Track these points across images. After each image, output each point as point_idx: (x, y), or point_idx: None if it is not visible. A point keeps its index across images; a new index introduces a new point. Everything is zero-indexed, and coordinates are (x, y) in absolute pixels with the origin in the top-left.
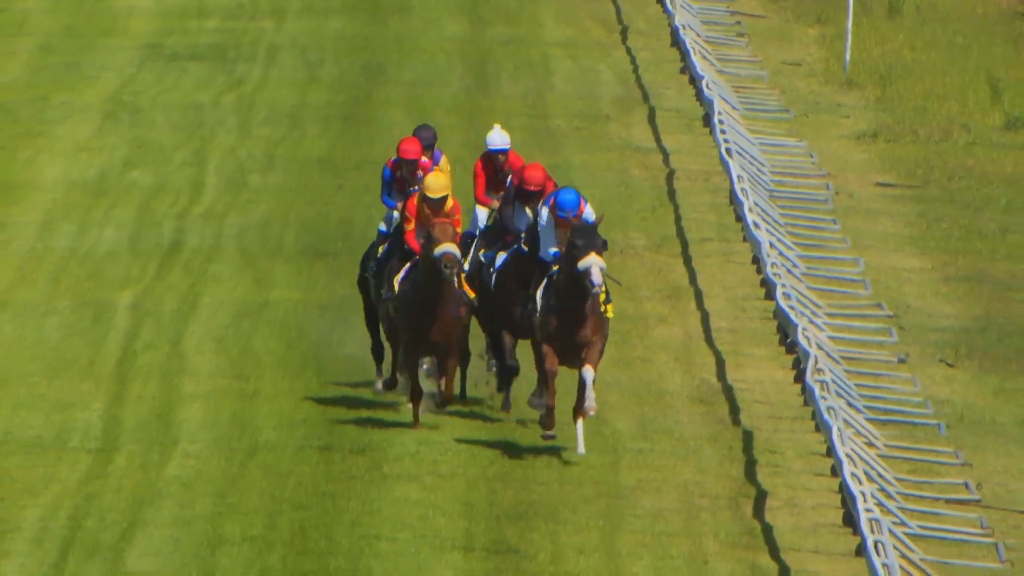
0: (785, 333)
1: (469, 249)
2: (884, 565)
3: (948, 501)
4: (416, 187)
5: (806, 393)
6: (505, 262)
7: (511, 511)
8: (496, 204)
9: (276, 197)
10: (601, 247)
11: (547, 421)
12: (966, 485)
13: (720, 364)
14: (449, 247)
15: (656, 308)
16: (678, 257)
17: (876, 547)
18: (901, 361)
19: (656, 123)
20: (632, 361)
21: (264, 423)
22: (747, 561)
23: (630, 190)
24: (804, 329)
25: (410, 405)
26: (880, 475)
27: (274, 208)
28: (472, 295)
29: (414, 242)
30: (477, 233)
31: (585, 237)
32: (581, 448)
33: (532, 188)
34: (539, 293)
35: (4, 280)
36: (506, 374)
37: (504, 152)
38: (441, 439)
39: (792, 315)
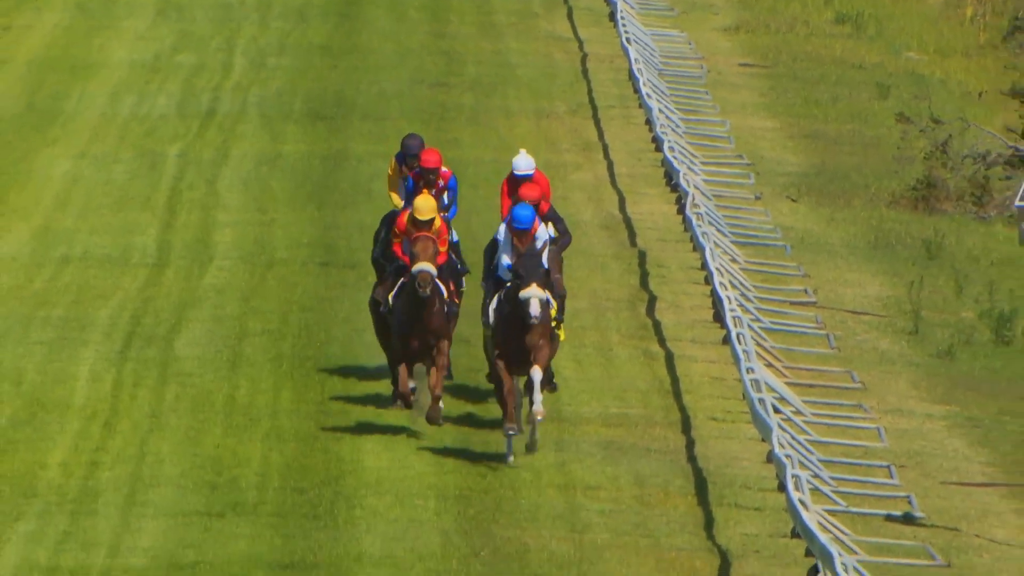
0: (670, 177)
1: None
2: (744, 351)
3: (792, 303)
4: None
5: (686, 222)
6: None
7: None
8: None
9: (287, 74)
10: (542, 277)
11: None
12: (805, 291)
13: (621, 200)
14: (424, 265)
15: (573, 158)
16: (590, 119)
17: (738, 338)
18: (757, 198)
19: (573, 19)
20: (556, 200)
21: (278, 244)
22: (641, 348)
23: (553, 69)
24: (684, 174)
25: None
26: (741, 284)
27: (286, 82)
28: (457, 303)
29: (402, 253)
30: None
31: (527, 268)
32: (534, 447)
33: (528, 204)
34: (492, 306)
35: (83, 137)
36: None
37: (528, 177)
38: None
39: (675, 163)
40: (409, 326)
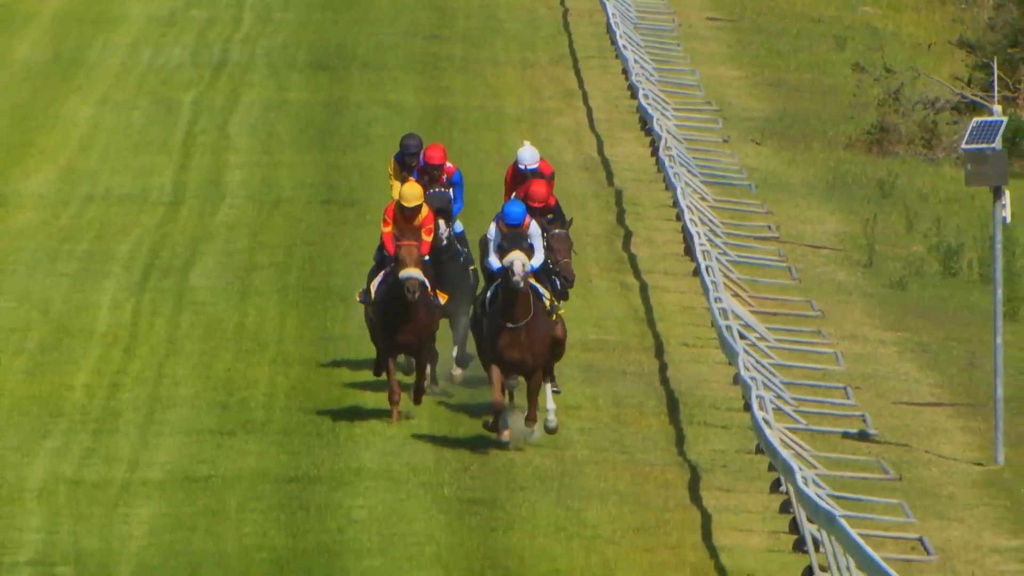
0: (644, 122)
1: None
2: (712, 283)
3: (757, 238)
4: (432, 190)
5: (659, 163)
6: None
7: None
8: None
9: (292, 28)
10: (526, 250)
11: (496, 424)
12: (769, 227)
13: (599, 144)
14: (412, 272)
15: (555, 105)
16: (570, 69)
17: (707, 270)
18: (724, 141)
19: None
20: (539, 142)
21: (284, 184)
22: (618, 280)
23: (537, 23)
24: (657, 120)
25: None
26: (710, 220)
27: (291, 35)
28: (444, 299)
29: (390, 244)
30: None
31: (511, 241)
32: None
33: (538, 205)
34: (485, 301)
35: (104, 85)
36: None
37: (533, 171)
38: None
39: (649, 110)
40: (393, 320)
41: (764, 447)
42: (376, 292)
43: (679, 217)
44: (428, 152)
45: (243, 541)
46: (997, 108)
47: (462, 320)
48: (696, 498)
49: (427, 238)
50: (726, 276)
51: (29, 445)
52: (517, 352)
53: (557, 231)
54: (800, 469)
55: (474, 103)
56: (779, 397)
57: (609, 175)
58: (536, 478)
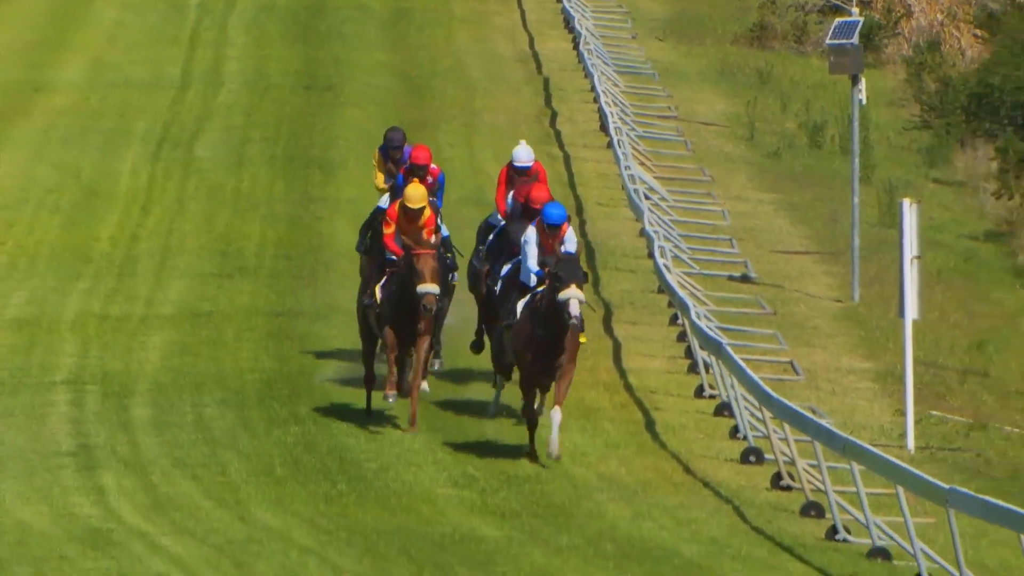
0: (567, 21)
1: (488, 235)
2: (623, 153)
3: (659, 117)
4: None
5: (579, 56)
6: (509, 271)
7: None
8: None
9: None
10: (582, 280)
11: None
12: (669, 108)
13: (531, 40)
14: (430, 287)
15: (495, 7)
16: None
17: (618, 143)
18: (633, 37)
19: None
20: (480, 39)
21: (273, 72)
22: (546, 151)
23: None
24: (578, 20)
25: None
26: (621, 103)
27: None
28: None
29: (393, 245)
30: (494, 223)
31: (567, 270)
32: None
33: (537, 207)
34: (519, 306)
35: None
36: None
37: (527, 168)
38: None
39: (571, 11)
40: (398, 322)
41: (664, 288)
42: (381, 293)
43: (596, 100)
44: (414, 153)
45: (238, 364)
46: (855, 10)
47: (440, 321)
48: (608, 329)
49: (430, 240)
50: (634, 148)
51: (64, 286)
52: (551, 359)
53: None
54: (693, 306)
55: (429, 6)
56: (677, 247)
57: (538, 66)
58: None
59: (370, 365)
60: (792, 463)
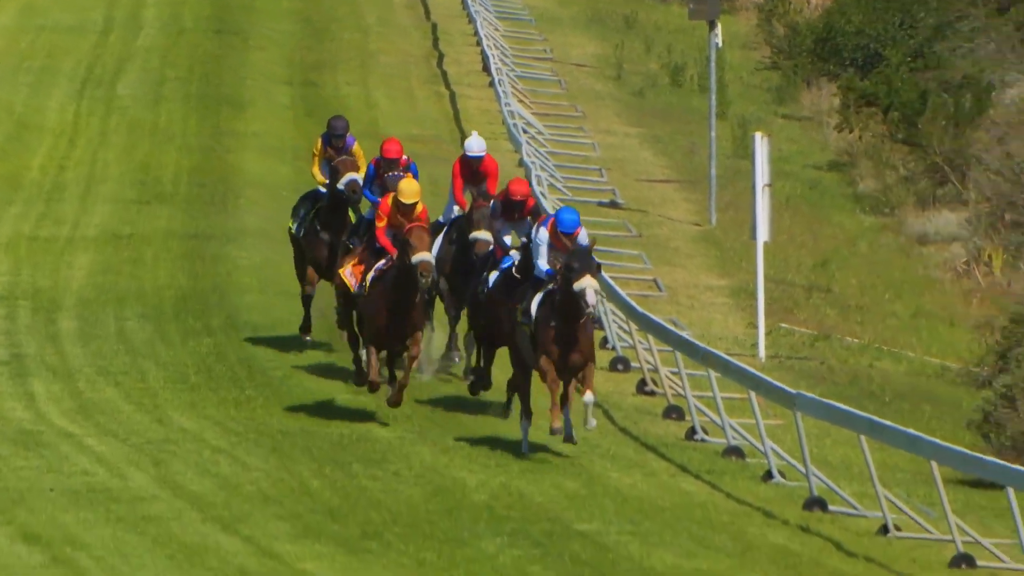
0: None
1: (437, 235)
2: (503, 92)
3: (536, 59)
4: (392, 173)
5: (463, 2)
6: (497, 280)
7: None
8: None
9: None
10: (596, 270)
11: (557, 426)
12: (545, 50)
13: None
14: (426, 255)
15: None
16: None
17: (499, 83)
18: None
19: None
20: None
21: (187, 19)
22: (434, 90)
23: None
24: None
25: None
26: (501, 46)
27: None
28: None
29: (384, 239)
30: (445, 221)
31: (581, 260)
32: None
33: (517, 198)
34: (533, 305)
35: None
36: (481, 385)
37: (480, 158)
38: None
39: None
40: (389, 315)
41: (543, 211)
42: (372, 285)
43: (479, 43)
44: (385, 147)
45: (156, 282)
46: None
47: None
48: None
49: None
50: (513, 87)
51: None
52: (569, 351)
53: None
54: None
55: None
56: (552, 176)
57: (427, 12)
58: None
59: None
60: (655, 371)
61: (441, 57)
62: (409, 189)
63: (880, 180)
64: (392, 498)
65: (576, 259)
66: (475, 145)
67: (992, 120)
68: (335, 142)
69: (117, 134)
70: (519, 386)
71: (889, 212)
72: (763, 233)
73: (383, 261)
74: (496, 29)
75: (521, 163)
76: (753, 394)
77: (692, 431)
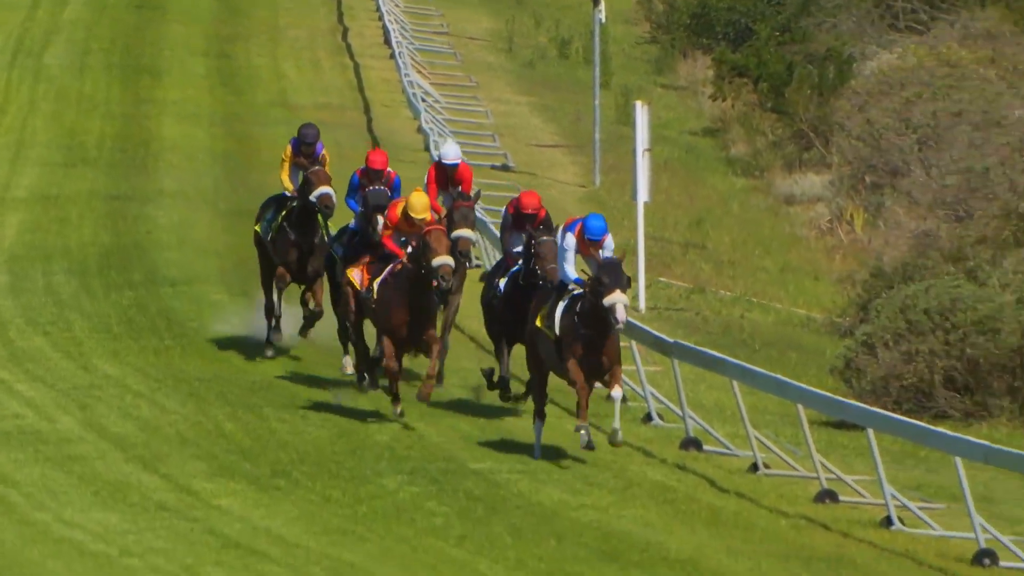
0: None
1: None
2: (403, 63)
3: (434, 33)
4: (372, 187)
5: None
6: (506, 288)
7: None
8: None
9: None
10: (626, 285)
11: (585, 438)
12: (442, 25)
13: None
14: (446, 259)
15: None
16: None
17: (399, 54)
18: None
19: None
20: None
21: None
22: (339, 62)
23: None
24: None
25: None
26: (401, 21)
27: None
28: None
29: (391, 244)
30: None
31: (611, 275)
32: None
33: (529, 211)
34: (558, 312)
35: None
36: (502, 386)
37: (455, 166)
38: None
39: None
40: (405, 314)
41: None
42: (381, 289)
43: (380, 18)
44: (371, 158)
45: (82, 239)
46: None
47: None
48: None
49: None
50: (412, 59)
51: None
52: (596, 356)
53: (544, 238)
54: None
55: None
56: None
57: None
58: None
59: (367, 359)
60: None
61: (345, 31)
62: (419, 204)
63: (750, 145)
64: (300, 439)
65: (607, 273)
66: (451, 153)
67: (853, 90)
68: (305, 149)
69: (45, 102)
70: (534, 388)
71: (759, 175)
72: (643, 194)
73: (391, 266)
74: (396, 5)
75: (420, 130)
76: (634, 343)
77: None
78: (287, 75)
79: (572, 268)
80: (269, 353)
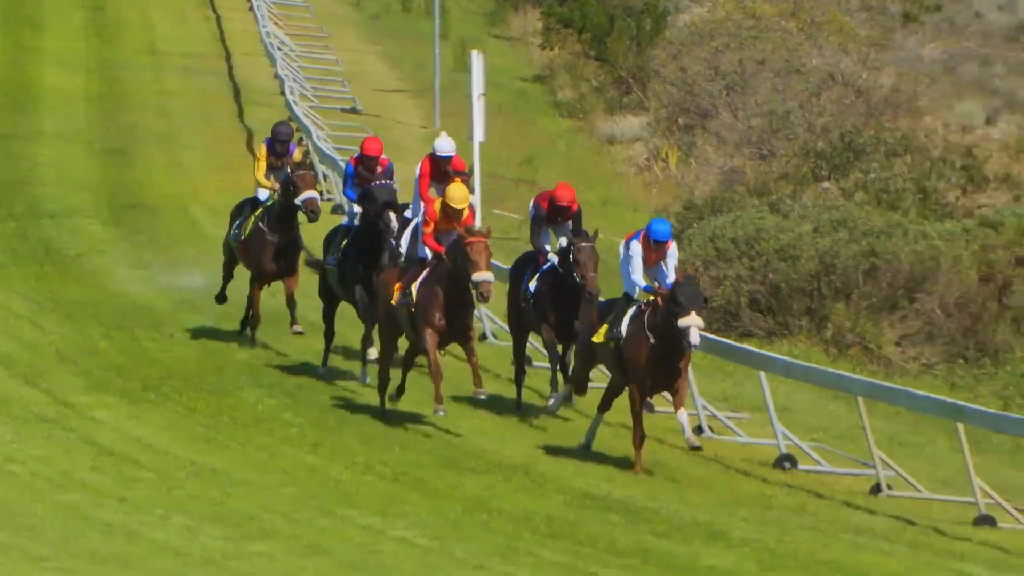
0: None
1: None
2: (261, 15)
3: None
4: (377, 182)
5: None
6: (539, 287)
7: None
8: (437, 203)
9: None
10: (702, 306)
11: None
12: None
13: None
14: (487, 275)
15: None
16: None
17: (257, 7)
18: None
19: None
20: None
21: None
22: (203, 14)
23: None
24: None
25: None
26: None
27: None
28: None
29: (432, 242)
30: (412, 217)
31: (688, 296)
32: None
33: (564, 204)
34: (624, 323)
35: None
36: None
37: (449, 158)
38: None
39: None
40: (445, 310)
41: (293, 117)
42: (420, 290)
43: None
44: (366, 145)
45: None
46: None
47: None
48: (250, 151)
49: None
50: (269, 11)
51: None
52: (664, 369)
53: (584, 244)
54: (315, 131)
55: None
56: (302, 87)
57: None
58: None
59: (386, 369)
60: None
61: None
62: (458, 195)
63: (575, 90)
64: (168, 357)
65: (683, 293)
66: (445, 146)
67: (668, 40)
68: (278, 148)
69: None
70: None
71: (583, 117)
72: (479, 135)
73: (427, 271)
74: None
75: (276, 76)
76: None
77: None
78: (156, 26)
79: (640, 276)
80: (253, 342)
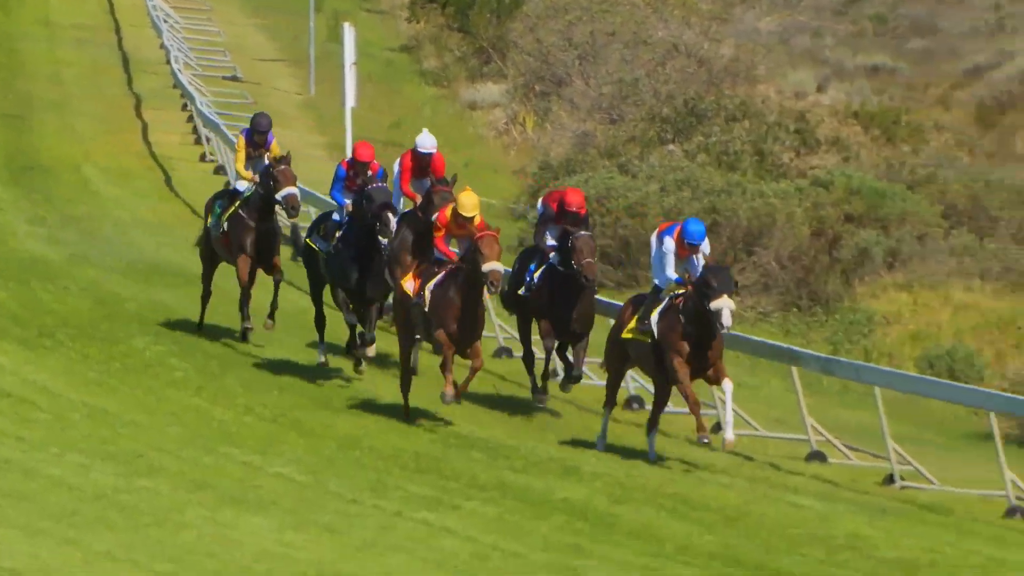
0: None
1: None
2: (155, 7)
3: None
4: (368, 184)
5: None
6: (541, 279)
7: None
8: (419, 199)
9: None
10: (733, 290)
11: (701, 429)
12: None
13: None
14: (496, 265)
15: None
16: None
17: None
18: None
19: None
20: None
21: None
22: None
23: None
24: None
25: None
26: None
27: None
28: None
29: (444, 246)
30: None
31: (719, 279)
32: (730, 434)
33: (573, 209)
34: (655, 316)
35: None
36: (529, 361)
37: (430, 155)
38: None
39: None
40: (458, 314)
41: (178, 84)
42: (436, 290)
43: None
44: (358, 150)
45: None
46: None
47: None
48: (139, 115)
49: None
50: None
51: None
52: (702, 354)
53: (582, 233)
54: (199, 97)
55: None
56: (187, 56)
57: None
58: None
59: (407, 365)
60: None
61: None
62: (469, 203)
63: (440, 60)
64: (63, 307)
65: (715, 278)
66: (427, 142)
67: (525, 13)
68: (257, 138)
69: None
70: (609, 383)
71: (447, 85)
72: (351, 101)
73: (443, 273)
74: None
75: (162, 47)
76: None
77: None
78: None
79: (672, 270)
80: (249, 332)
